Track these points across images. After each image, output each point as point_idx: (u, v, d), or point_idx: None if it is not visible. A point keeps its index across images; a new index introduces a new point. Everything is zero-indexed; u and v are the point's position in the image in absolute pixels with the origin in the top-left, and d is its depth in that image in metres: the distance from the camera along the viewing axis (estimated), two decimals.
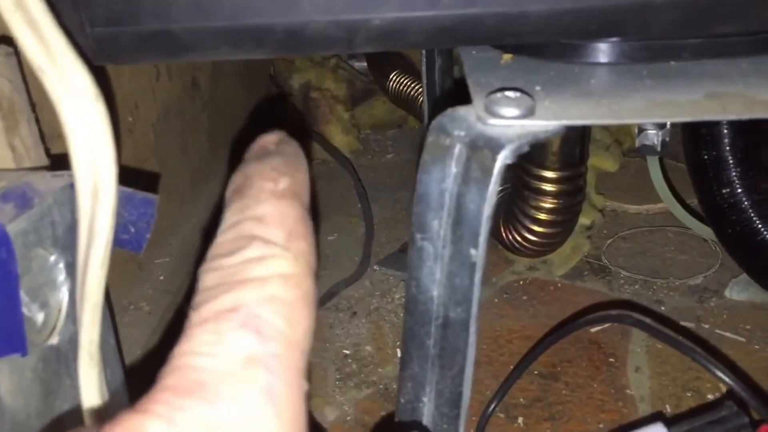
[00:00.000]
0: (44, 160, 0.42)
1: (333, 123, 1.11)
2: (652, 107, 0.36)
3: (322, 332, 0.68)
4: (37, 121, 0.42)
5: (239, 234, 0.22)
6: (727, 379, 0.41)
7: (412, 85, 1.03)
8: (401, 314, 0.70)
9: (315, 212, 0.24)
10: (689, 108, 0.35)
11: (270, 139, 0.29)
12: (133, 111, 0.69)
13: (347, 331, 0.68)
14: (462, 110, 0.36)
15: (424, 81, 0.68)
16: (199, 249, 0.76)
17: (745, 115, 0.34)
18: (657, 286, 0.72)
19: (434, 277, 0.37)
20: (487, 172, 0.33)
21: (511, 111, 0.34)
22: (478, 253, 0.34)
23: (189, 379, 0.18)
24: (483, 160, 0.34)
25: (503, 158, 0.33)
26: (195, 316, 0.20)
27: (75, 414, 0.35)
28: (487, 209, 0.34)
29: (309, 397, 0.20)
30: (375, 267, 0.79)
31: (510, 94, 0.35)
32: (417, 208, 0.37)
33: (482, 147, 0.34)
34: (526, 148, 0.34)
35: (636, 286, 0.72)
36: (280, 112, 1.13)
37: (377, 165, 1.10)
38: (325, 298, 0.73)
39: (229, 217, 0.23)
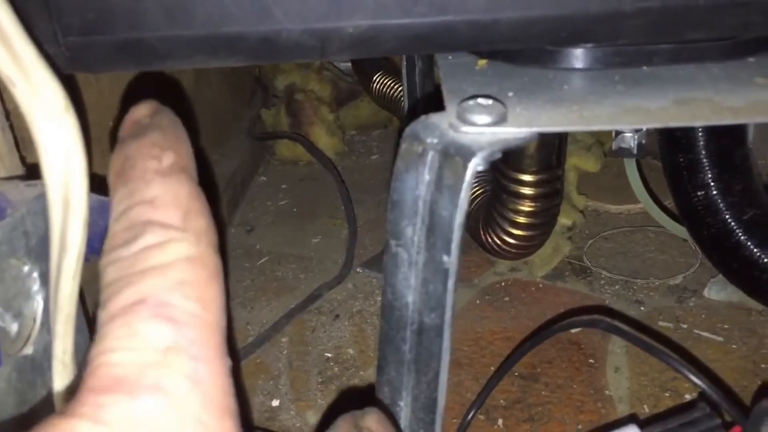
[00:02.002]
0: (19, 169, 0.42)
1: (318, 125, 1.11)
2: (623, 114, 0.36)
3: (304, 335, 0.68)
4: (12, 128, 0.42)
5: (132, 221, 0.21)
6: (699, 382, 0.42)
7: (396, 87, 1.03)
8: None
9: (210, 183, 0.23)
10: (658, 114, 0.35)
11: (142, 111, 0.27)
12: (114, 115, 0.69)
13: (329, 334, 0.68)
14: (435, 117, 0.36)
15: (405, 84, 0.68)
16: None
17: (713, 121, 0.35)
18: (637, 286, 0.73)
19: (409, 283, 0.38)
20: (459, 179, 0.34)
21: (483, 118, 0.35)
22: (450, 260, 0.35)
23: (109, 377, 0.18)
24: (455, 167, 0.34)
25: (474, 166, 0.33)
26: (103, 315, 0.19)
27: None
28: (459, 216, 0.34)
29: (235, 372, 0.20)
30: (358, 269, 0.79)
31: (482, 101, 0.35)
32: (391, 214, 0.37)
33: (454, 154, 0.34)
34: (498, 155, 0.34)
35: (616, 287, 0.73)
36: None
37: (362, 166, 1.10)
38: (308, 301, 0.73)
39: (117, 204, 0.22)
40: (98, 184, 0.38)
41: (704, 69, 0.41)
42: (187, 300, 0.19)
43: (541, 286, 0.73)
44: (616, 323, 0.50)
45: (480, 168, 0.33)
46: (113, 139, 0.25)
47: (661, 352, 0.44)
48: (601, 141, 0.96)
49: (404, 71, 0.68)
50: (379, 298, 0.74)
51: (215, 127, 1.05)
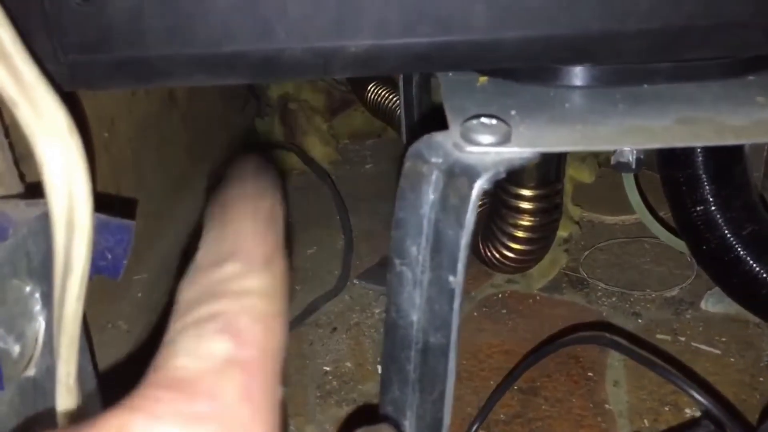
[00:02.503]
0: (18, 186, 0.41)
1: (311, 134, 1.11)
2: (625, 133, 0.36)
3: (302, 349, 0.68)
4: (11, 145, 0.41)
5: (219, 252, 0.22)
6: (703, 400, 0.42)
7: (390, 97, 1.03)
8: (381, 330, 0.70)
9: (289, 234, 0.25)
10: (661, 134, 0.35)
11: (247, 164, 0.29)
12: (109, 127, 0.68)
13: (327, 347, 0.68)
14: (439, 136, 0.36)
15: (401, 97, 0.68)
16: (178, 265, 0.76)
17: (715, 142, 0.35)
18: (634, 298, 0.73)
19: (414, 302, 0.37)
20: (464, 200, 0.33)
21: (487, 138, 0.34)
22: (456, 280, 0.35)
23: (170, 376, 0.19)
24: (460, 187, 0.34)
25: (480, 186, 0.33)
26: (175, 325, 0.20)
27: None
28: (465, 236, 0.34)
29: (284, 405, 0.21)
30: (354, 281, 0.79)
31: (486, 120, 0.35)
32: (395, 233, 0.37)
33: (459, 174, 0.34)
34: (502, 175, 0.34)
35: (613, 299, 0.73)
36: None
37: (356, 175, 1.10)
38: (304, 314, 0.73)
39: (208, 236, 0.24)
40: (97, 202, 0.38)
41: (705, 87, 0.41)
42: (254, 325, 0.20)
43: (538, 298, 0.74)
44: (618, 339, 0.50)
45: (485, 188, 0.33)
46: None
47: (664, 369, 0.44)
48: (594, 154, 0.96)
49: (401, 84, 0.68)
50: (377, 311, 0.74)
51: (208, 137, 1.05)
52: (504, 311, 0.72)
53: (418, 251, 0.36)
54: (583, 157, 0.89)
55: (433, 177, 0.35)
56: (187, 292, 0.22)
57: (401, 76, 0.69)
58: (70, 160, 0.30)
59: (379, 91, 1.05)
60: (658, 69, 0.41)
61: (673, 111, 0.38)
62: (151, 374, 0.19)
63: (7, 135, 0.41)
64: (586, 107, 0.39)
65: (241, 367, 0.19)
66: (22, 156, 0.43)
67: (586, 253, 0.81)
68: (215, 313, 0.20)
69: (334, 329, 0.71)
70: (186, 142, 0.95)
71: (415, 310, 0.38)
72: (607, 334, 0.51)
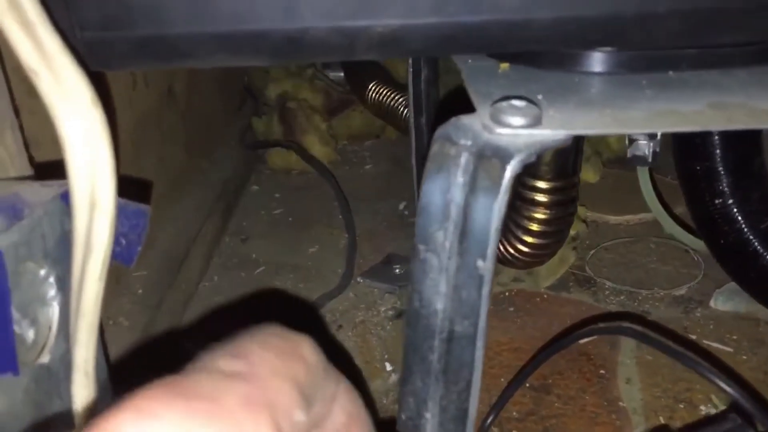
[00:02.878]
0: (28, 169, 0.40)
1: (311, 133, 1.10)
2: (657, 117, 0.35)
3: None
4: (21, 128, 0.40)
5: None
6: (732, 392, 0.41)
7: (392, 95, 1.02)
8: (387, 327, 0.69)
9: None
10: (694, 118, 0.35)
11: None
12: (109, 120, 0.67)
13: (333, 344, 0.67)
14: (466, 119, 0.35)
15: (410, 91, 0.67)
16: (178, 261, 0.74)
17: (751, 125, 0.34)
18: (642, 297, 0.72)
19: (438, 289, 0.36)
20: (497, 182, 0.33)
21: (518, 120, 0.34)
22: (486, 265, 0.34)
23: (170, 379, 0.18)
24: (491, 169, 0.33)
25: (513, 168, 0.32)
26: None
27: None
28: (496, 220, 0.33)
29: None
30: (359, 279, 0.78)
31: (516, 102, 0.35)
32: (420, 219, 0.36)
33: (491, 156, 0.33)
34: (533, 158, 0.33)
35: (621, 297, 0.72)
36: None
37: (355, 176, 1.09)
38: None
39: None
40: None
41: (731, 74, 0.41)
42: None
43: (545, 296, 0.73)
44: (644, 330, 0.49)
45: (517, 171, 0.32)
46: None
47: (692, 360, 0.43)
48: (599, 152, 0.96)
49: (410, 78, 0.67)
50: (382, 309, 0.72)
51: (206, 135, 1.04)
52: (511, 309, 0.71)
53: (444, 237, 0.35)
54: (587, 157, 0.89)
55: (462, 159, 0.34)
56: None
57: (410, 70, 0.68)
58: (93, 135, 0.29)
59: (381, 90, 1.04)
60: (684, 55, 0.40)
61: (703, 96, 0.37)
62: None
63: (17, 116, 0.39)
64: (613, 92, 0.38)
65: (246, 378, 0.18)
66: (32, 140, 0.42)
67: (592, 252, 0.81)
68: None
69: (340, 327, 0.70)
70: (185, 137, 0.94)
71: (440, 298, 0.36)
72: (631, 325, 0.50)
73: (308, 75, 1.20)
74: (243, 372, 0.18)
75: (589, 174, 0.91)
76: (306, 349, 0.21)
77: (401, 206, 0.96)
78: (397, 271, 0.79)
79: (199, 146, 1.00)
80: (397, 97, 1.02)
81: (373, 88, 1.04)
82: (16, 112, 0.39)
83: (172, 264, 0.74)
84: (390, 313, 0.72)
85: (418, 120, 0.69)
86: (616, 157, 0.97)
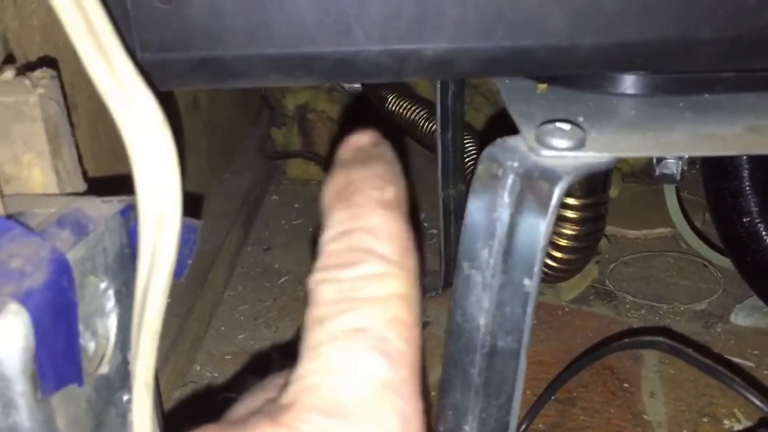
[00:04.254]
0: (83, 185, 0.41)
1: (330, 144, 1.11)
2: (699, 141, 0.36)
3: None
4: (76, 144, 0.41)
5: (352, 245, 0.21)
6: (764, 406, 0.42)
7: (412, 108, 1.03)
8: None
9: (415, 222, 0.24)
10: (735, 142, 0.36)
11: (365, 139, 0.27)
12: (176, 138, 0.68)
13: None
14: (512, 140, 0.36)
15: (438, 107, 0.68)
16: (204, 271, 0.75)
17: None
18: (663, 311, 0.73)
19: (481, 305, 0.37)
20: (544, 204, 0.34)
21: (563, 143, 0.35)
22: (532, 284, 0.35)
23: (329, 400, 0.18)
24: (539, 191, 0.34)
25: (561, 190, 0.33)
26: (321, 333, 0.20)
27: None
28: (543, 240, 0.34)
29: (427, 413, 0.21)
30: None
31: (561, 125, 0.36)
32: (466, 236, 0.37)
33: (538, 178, 0.34)
34: (579, 180, 0.34)
35: (642, 311, 0.73)
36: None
37: None
38: None
39: (335, 224, 0.22)
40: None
41: (764, 98, 0.42)
42: (400, 339, 0.20)
43: (567, 309, 0.74)
44: (677, 345, 0.50)
45: (564, 193, 0.33)
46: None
47: (724, 375, 0.44)
48: (617, 166, 0.97)
49: (438, 94, 0.68)
50: None
51: (226, 145, 1.05)
52: (534, 322, 0.72)
53: (489, 254, 0.36)
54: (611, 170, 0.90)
55: (509, 180, 0.35)
56: (324, 290, 0.21)
57: (438, 86, 0.69)
58: (162, 153, 0.30)
59: (401, 103, 1.05)
60: (720, 79, 0.41)
61: (740, 120, 0.38)
62: (305, 392, 0.19)
63: (73, 133, 0.40)
64: (652, 115, 0.39)
65: (397, 392, 0.19)
66: (85, 156, 0.43)
67: (612, 266, 0.82)
68: (362, 325, 0.19)
69: None
70: (207, 148, 0.95)
71: (482, 313, 0.37)
72: (667, 340, 0.51)
73: (326, 86, 1.21)
74: (393, 383, 0.19)
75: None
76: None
77: (420, 217, 0.97)
78: None
79: (221, 156, 1.01)
80: (416, 110, 1.03)
81: (393, 101, 1.05)
82: (72, 129, 0.40)
83: (199, 273, 0.75)
84: (447, 327, 0.72)
85: (445, 135, 0.70)
86: (633, 171, 0.98)
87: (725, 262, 0.72)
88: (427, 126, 1.00)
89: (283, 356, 0.60)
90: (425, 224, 0.96)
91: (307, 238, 0.94)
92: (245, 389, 0.25)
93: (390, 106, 1.06)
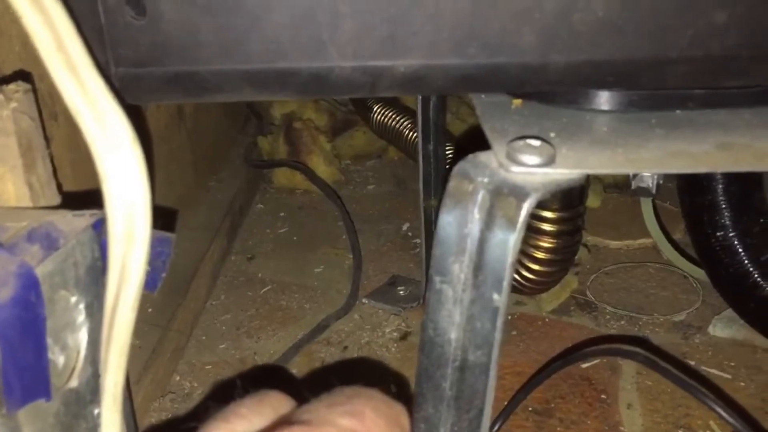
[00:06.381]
0: (57, 198, 0.41)
1: (316, 153, 1.12)
2: (668, 157, 0.37)
3: (314, 367, 0.68)
4: (51, 157, 0.41)
5: None
6: (734, 423, 0.42)
7: (396, 118, 1.04)
8: (393, 349, 0.70)
9: None
10: (703, 159, 0.36)
11: None
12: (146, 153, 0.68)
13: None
14: (483, 156, 0.37)
15: (419, 119, 0.68)
16: (186, 280, 0.75)
17: (757, 168, 0.35)
18: (642, 322, 0.74)
19: (453, 320, 0.38)
20: (513, 220, 0.34)
21: (533, 159, 0.35)
22: (501, 299, 0.35)
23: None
24: (508, 207, 0.34)
25: (529, 206, 0.33)
26: None
27: None
28: (512, 255, 0.34)
29: None
30: (364, 300, 0.79)
31: (531, 141, 0.36)
32: (437, 251, 0.37)
33: (507, 194, 0.34)
34: (547, 196, 0.35)
35: (622, 322, 0.74)
36: None
37: (359, 196, 1.10)
38: (315, 332, 0.72)
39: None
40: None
41: (736, 114, 0.42)
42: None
43: (547, 320, 0.74)
44: (654, 357, 0.50)
45: (532, 209, 0.34)
46: None
47: (697, 389, 0.45)
48: (599, 177, 0.97)
49: (419, 105, 0.68)
50: (387, 330, 0.74)
51: (212, 154, 1.05)
52: (514, 332, 0.72)
53: (460, 269, 0.37)
54: (589, 183, 0.90)
55: (479, 196, 0.35)
56: None
57: (419, 99, 0.70)
58: (132, 172, 0.30)
59: (385, 112, 1.05)
60: (692, 95, 0.42)
61: (711, 136, 0.39)
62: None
63: (48, 146, 0.41)
64: (624, 131, 0.40)
65: None
66: (59, 168, 0.43)
67: (593, 276, 0.82)
68: None
69: (345, 348, 0.71)
70: (192, 157, 0.95)
71: (453, 327, 0.38)
72: (643, 351, 0.52)
73: None
74: (358, 431, 0.20)
75: (590, 199, 0.93)
76: (405, 420, 0.23)
77: (404, 227, 0.98)
78: (402, 292, 0.80)
79: (206, 165, 1.01)
80: (401, 120, 1.04)
81: (378, 110, 1.06)
82: (47, 142, 0.40)
83: (180, 283, 0.75)
84: (395, 334, 0.73)
85: (426, 146, 0.70)
86: (615, 182, 0.99)
87: (702, 274, 0.73)
88: (411, 136, 1.00)
89: (245, 384, 0.60)
90: (409, 234, 0.96)
91: (291, 247, 0.94)
92: (207, 417, 0.25)
93: (375, 115, 1.06)
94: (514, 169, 0.35)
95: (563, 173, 0.35)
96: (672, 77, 0.38)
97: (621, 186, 0.97)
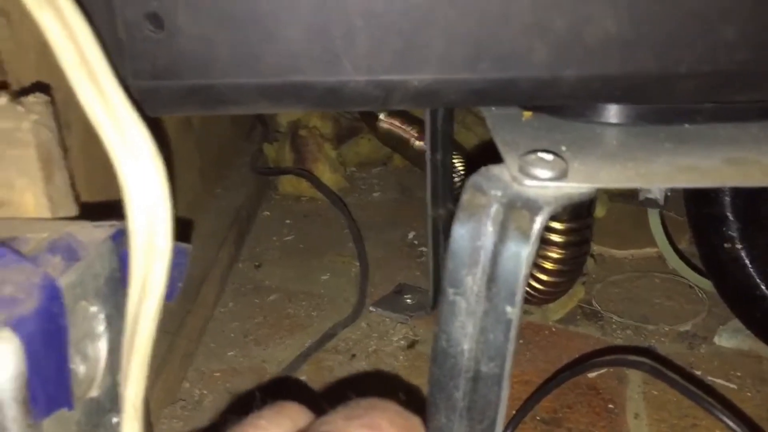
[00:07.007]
0: (75, 209, 0.42)
1: (321, 161, 1.12)
2: (677, 172, 0.37)
3: (323, 375, 0.68)
4: (68, 168, 0.42)
5: None
6: None
7: (403, 126, 1.04)
8: (401, 357, 0.71)
9: None
10: (712, 174, 0.37)
11: None
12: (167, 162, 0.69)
13: (348, 374, 0.68)
14: (496, 170, 0.37)
15: (427, 129, 0.69)
16: (196, 287, 0.76)
17: (765, 183, 0.36)
18: (648, 331, 0.74)
19: (465, 331, 0.38)
20: (526, 233, 0.34)
21: (546, 173, 0.35)
22: (514, 311, 0.35)
23: None
24: (521, 220, 0.35)
25: (542, 219, 0.34)
26: None
27: None
28: (525, 268, 0.35)
29: None
30: (371, 308, 0.79)
31: (543, 155, 0.36)
32: (451, 263, 0.37)
33: (520, 208, 0.35)
34: (559, 209, 0.35)
35: (628, 332, 0.74)
36: None
37: (364, 203, 1.11)
38: (323, 340, 0.73)
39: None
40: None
41: (744, 128, 0.43)
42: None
43: (554, 329, 0.74)
44: (660, 367, 0.50)
45: (546, 221, 0.34)
46: None
47: (703, 399, 0.45)
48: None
49: (427, 116, 0.69)
50: (394, 339, 0.74)
51: (219, 161, 1.06)
52: (521, 342, 0.73)
53: (473, 281, 0.37)
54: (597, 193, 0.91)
55: (492, 209, 0.36)
56: None
57: (427, 110, 0.70)
58: (153, 184, 0.31)
59: (392, 121, 1.06)
60: (701, 109, 0.42)
61: (719, 151, 0.39)
62: None
63: (65, 157, 0.41)
64: (634, 145, 0.40)
65: None
66: (75, 178, 0.44)
67: (599, 286, 0.82)
68: None
69: (353, 356, 0.71)
70: (200, 165, 0.96)
71: (466, 339, 0.38)
72: (650, 361, 0.52)
73: None
74: None
75: (597, 209, 0.93)
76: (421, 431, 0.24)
77: (410, 235, 0.98)
78: (409, 301, 0.80)
79: (213, 172, 1.02)
80: (407, 128, 1.04)
81: (384, 118, 1.06)
82: (65, 153, 0.41)
83: (190, 290, 0.75)
84: (402, 343, 0.73)
85: (434, 156, 0.71)
86: (620, 191, 0.99)
87: (708, 284, 0.73)
88: (417, 144, 1.01)
89: (264, 396, 0.60)
90: (415, 242, 0.96)
91: (297, 254, 0.94)
92: (226, 429, 0.26)
93: (381, 123, 1.07)
94: (527, 182, 0.35)
95: (575, 187, 0.36)
96: (681, 92, 0.39)
97: (626, 195, 0.98)
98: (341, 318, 0.77)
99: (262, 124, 1.26)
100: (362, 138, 1.24)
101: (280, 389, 0.64)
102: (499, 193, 0.36)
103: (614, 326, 0.75)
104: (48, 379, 0.30)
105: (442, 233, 0.73)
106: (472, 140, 1.06)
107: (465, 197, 0.37)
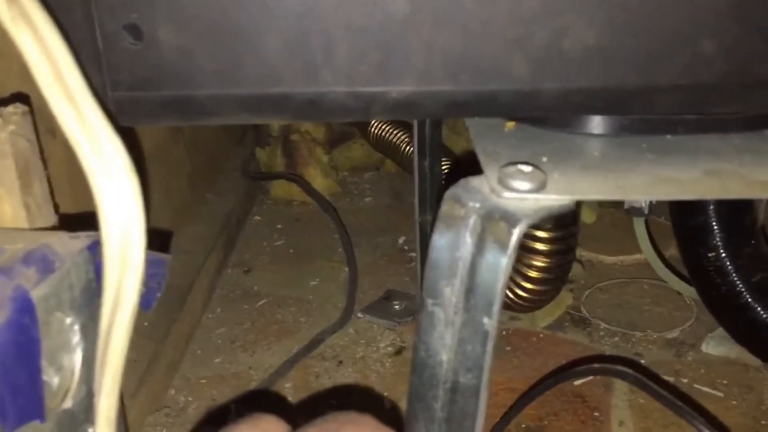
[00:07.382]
0: (54, 218, 0.42)
1: (313, 165, 1.12)
2: (657, 184, 0.37)
3: (309, 381, 0.68)
4: (48, 178, 0.42)
5: None
6: None
7: (394, 131, 1.05)
8: (387, 364, 0.71)
9: None
10: (692, 186, 0.37)
11: None
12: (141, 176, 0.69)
13: (334, 380, 0.68)
14: (475, 181, 0.37)
15: (415, 135, 0.69)
16: (183, 294, 0.76)
17: (745, 195, 0.36)
18: (636, 339, 0.74)
19: (444, 342, 0.38)
20: (504, 245, 0.34)
21: (525, 185, 0.35)
22: (491, 323, 0.35)
23: None
24: (499, 232, 0.35)
25: (519, 231, 0.34)
26: None
27: None
28: (502, 279, 0.35)
29: None
30: (359, 314, 0.79)
31: (523, 167, 0.36)
32: (429, 274, 0.37)
33: (498, 220, 0.35)
34: (538, 221, 0.35)
35: (615, 338, 0.74)
36: None
37: (356, 208, 1.11)
38: (310, 346, 0.73)
39: None
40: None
41: (726, 139, 0.43)
42: None
43: (541, 336, 0.74)
44: (643, 378, 0.50)
45: (523, 233, 0.34)
46: None
47: (687, 413, 0.45)
48: None
49: (415, 123, 0.69)
50: (381, 345, 0.74)
51: (210, 166, 1.05)
52: (508, 348, 0.72)
53: (451, 292, 0.37)
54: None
55: (471, 220, 0.36)
56: None
57: None
58: (128, 199, 0.31)
59: (383, 126, 1.06)
60: (683, 120, 0.42)
61: (700, 162, 0.39)
62: None
63: (45, 167, 0.41)
64: (615, 156, 0.40)
65: None
66: (55, 189, 0.44)
67: (587, 292, 0.82)
68: None
69: (340, 362, 0.71)
70: (190, 171, 0.95)
71: (445, 350, 0.38)
72: (632, 371, 0.52)
73: None
74: None
75: (585, 214, 0.93)
76: None
77: (401, 241, 0.98)
78: (397, 307, 0.80)
79: (203, 178, 1.01)
80: (397, 134, 1.04)
81: (376, 123, 1.07)
82: (44, 163, 0.41)
83: (176, 297, 0.75)
84: (389, 349, 0.73)
85: (422, 162, 0.71)
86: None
87: (693, 293, 0.73)
88: (408, 149, 1.01)
89: (239, 408, 0.60)
90: (405, 247, 0.96)
91: (287, 260, 0.94)
92: None
93: (372, 129, 1.07)
94: (506, 194, 0.35)
95: (554, 199, 0.35)
96: (662, 104, 0.39)
97: (615, 202, 0.98)
98: (329, 324, 0.77)
99: (255, 129, 1.26)
100: (354, 143, 1.24)
101: (260, 400, 0.64)
102: (478, 205, 0.36)
103: (602, 333, 0.75)
104: (19, 391, 0.30)
105: (429, 238, 0.73)
106: (462, 145, 1.06)
107: (444, 208, 0.37)
